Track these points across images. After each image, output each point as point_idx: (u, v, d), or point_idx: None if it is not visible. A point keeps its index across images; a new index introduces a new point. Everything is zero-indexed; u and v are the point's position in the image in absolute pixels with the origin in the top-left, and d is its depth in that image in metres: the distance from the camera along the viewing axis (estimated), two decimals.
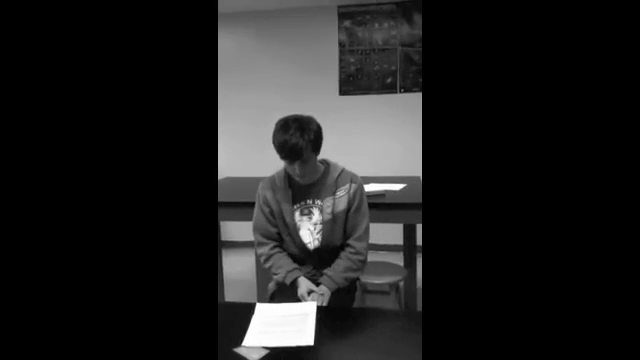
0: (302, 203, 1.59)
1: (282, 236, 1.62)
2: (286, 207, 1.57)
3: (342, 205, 1.56)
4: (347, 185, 1.57)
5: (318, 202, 1.58)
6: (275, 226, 1.61)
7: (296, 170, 1.48)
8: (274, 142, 1.45)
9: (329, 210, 1.55)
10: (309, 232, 1.60)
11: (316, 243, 1.59)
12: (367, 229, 1.60)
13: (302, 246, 1.60)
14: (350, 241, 1.58)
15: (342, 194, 1.56)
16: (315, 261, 1.61)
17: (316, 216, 1.59)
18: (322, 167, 1.60)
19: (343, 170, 1.61)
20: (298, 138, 1.40)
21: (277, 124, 1.47)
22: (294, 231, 1.58)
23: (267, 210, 1.61)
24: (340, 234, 1.58)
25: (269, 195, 1.60)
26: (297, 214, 1.59)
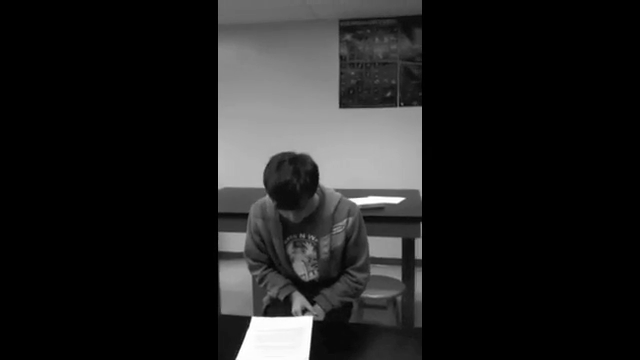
0: (294, 236, 1.49)
1: (274, 263, 1.56)
2: (277, 241, 1.48)
3: (339, 241, 1.46)
4: (344, 221, 1.45)
5: (312, 237, 1.47)
6: (266, 252, 1.54)
7: (290, 217, 1.37)
8: (266, 185, 1.30)
9: (326, 249, 1.46)
10: (303, 264, 1.53)
11: (311, 275, 1.53)
12: (367, 259, 1.52)
13: (295, 278, 1.54)
14: (351, 270, 1.51)
15: (339, 230, 1.45)
16: (309, 292, 1.54)
17: (309, 251, 1.50)
18: (317, 199, 1.44)
19: (340, 201, 1.47)
20: (294, 186, 1.25)
21: (270, 164, 1.32)
22: (286, 263, 1.52)
23: (257, 239, 1.52)
24: (338, 267, 1.52)
25: (260, 224, 1.49)
26: (290, 247, 1.50)
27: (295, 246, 1.51)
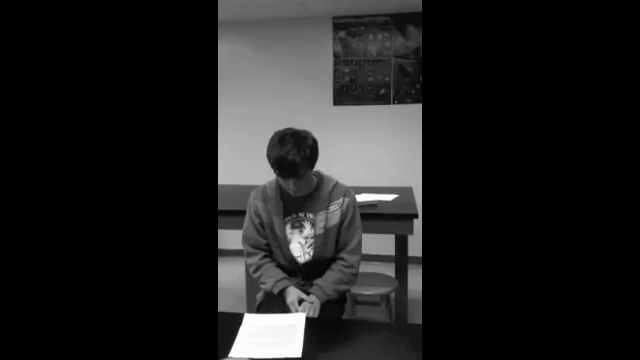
0: (293, 216, 1.57)
1: (271, 247, 1.60)
2: (277, 220, 1.55)
3: (335, 219, 1.54)
4: (340, 199, 1.55)
5: (310, 216, 1.56)
6: (265, 237, 1.59)
7: (290, 185, 1.46)
8: (269, 157, 1.42)
9: (322, 225, 1.53)
10: (299, 245, 1.58)
11: (307, 257, 1.57)
12: (360, 242, 1.59)
13: (291, 259, 1.58)
14: (342, 254, 1.57)
15: (335, 208, 1.54)
16: (304, 274, 1.59)
17: (307, 230, 1.57)
18: (315, 180, 1.57)
19: (336, 183, 1.58)
20: (295, 155, 1.37)
21: (273, 138, 1.44)
22: (284, 244, 1.56)
23: (257, 221, 1.58)
24: (332, 248, 1.57)
25: (260, 206, 1.57)
26: (288, 227, 1.57)
27: (293, 227, 1.57)
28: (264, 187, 1.60)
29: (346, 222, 1.55)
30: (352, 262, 1.56)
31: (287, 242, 1.57)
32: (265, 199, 1.57)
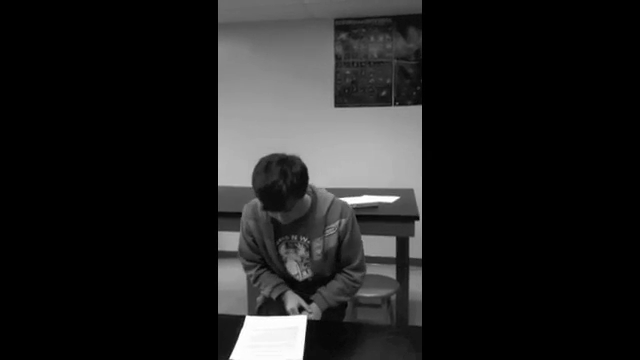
0: (286, 237, 1.48)
1: (267, 263, 1.56)
2: (269, 242, 1.47)
3: (332, 242, 1.45)
4: (336, 223, 1.43)
5: (304, 239, 1.46)
6: (259, 253, 1.54)
7: (278, 217, 1.36)
8: (254, 186, 1.28)
9: (319, 251, 1.45)
10: (296, 264, 1.53)
11: (305, 274, 1.53)
12: (363, 258, 1.52)
13: (289, 278, 1.54)
14: (348, 270, 1.51)
15: (332, 232, 1.44)
16: (304, 289, 1.55)
17: (302, 251, 1.49)
18: (309, 200, 1.43)
19: (332, 202, 1.45)
20: (281, 185, 1.23)
21: (258, 165, 1.30)
22: (279, 263, 1.51)
23: (250, 239, 1.52)
24: (332, 265, 1.52)
25: (252, 225, 1.48)
26: (282, 247, 1.50)
27: (287, 247, 1.50)
28: (255, 205, 1.48)
29: (345, 241, 1.46)
30: (357, 278, 1.51)
31: (283, 261, 1.51)
32: (256, 218, 1.47)
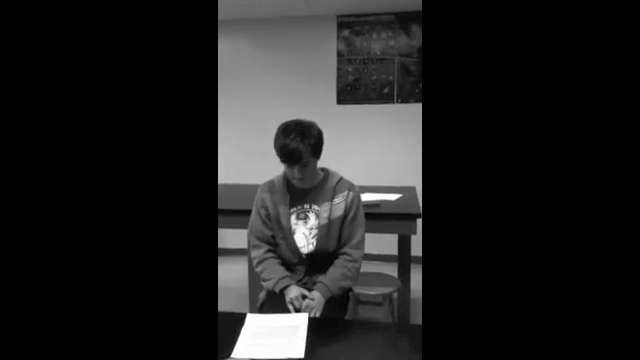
0: (299, 207, 1.61)
1: (276, 240, 1.62)
2: (283, 209, 1.59)
3: (339, 212, 1.57)
4: (345, 192, 1.59)
5: (315, 207, 1.60)
6: (270, 229, 1.62)
7: (295, 173, 1.50)
8: (275, 145, 1.48)
9: (325, 215, 1.57)
10: (304, 236, 1.60)
11: (310, 247, 1.59)
12: (363, 238, 1.61)
13: (295, 250, 1.60)
14: (346, 249, 1.59)
15: (339, 201, 1.58)
16: (307, 266, 1.61)
17: (312, 221, 1.60)
18: (321, 174, 1.63)
19: (342, 178, 1.63)
20: (298, 142, 1.43)
21: (279, 128, 1.50)
22: (289, 234, 1.59)
23: (264, 213, 1.62)
24: (335, 241, 1.59)
25: (267, 198, 1.62)
26: (293, 217, 1.61)
27: (298, 218, 1.61)
28: (272, 180, 1.65)
29: (349, 217, 1.58)
30: (356, 257, 1.58)
31: (292, 232, 1.59)
32: (272, 191, 1.62)
